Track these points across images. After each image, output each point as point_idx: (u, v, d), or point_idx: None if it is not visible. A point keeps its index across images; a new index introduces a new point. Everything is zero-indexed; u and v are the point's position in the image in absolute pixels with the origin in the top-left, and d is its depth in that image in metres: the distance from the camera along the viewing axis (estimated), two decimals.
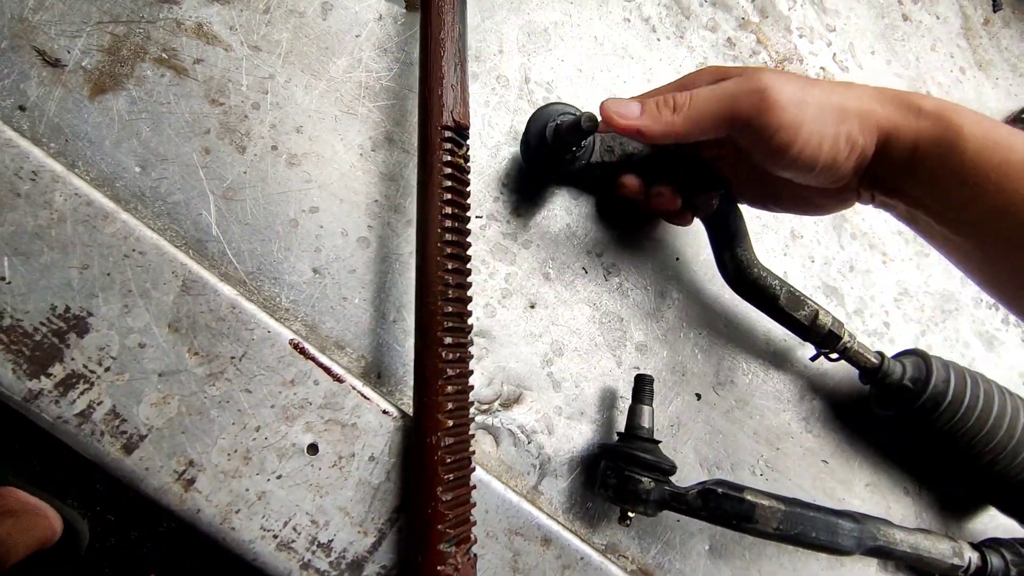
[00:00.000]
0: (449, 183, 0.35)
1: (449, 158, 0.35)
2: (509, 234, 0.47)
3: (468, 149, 0.38)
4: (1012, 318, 0.61)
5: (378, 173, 0.44)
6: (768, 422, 0.50)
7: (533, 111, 0.45)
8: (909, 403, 0.47)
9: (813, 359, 0.49)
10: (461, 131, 0.37)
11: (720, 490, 0.39)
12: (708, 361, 0.49)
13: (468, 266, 0.37)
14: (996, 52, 0.70)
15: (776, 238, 0.54)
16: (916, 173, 0.34)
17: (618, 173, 0.45)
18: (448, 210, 0.35)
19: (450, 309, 0.34)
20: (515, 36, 0.51)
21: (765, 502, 0.39)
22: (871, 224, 0.58)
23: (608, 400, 0.46)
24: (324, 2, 0.46)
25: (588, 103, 0.52)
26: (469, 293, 0.37)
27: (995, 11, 0.71)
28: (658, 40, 0.56)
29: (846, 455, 0.51)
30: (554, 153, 0.44)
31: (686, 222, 0.47)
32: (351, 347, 0.41)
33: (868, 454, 0.52)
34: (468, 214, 0.37)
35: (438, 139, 0.35)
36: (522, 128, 0.49)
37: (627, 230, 0.50)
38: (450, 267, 0.35)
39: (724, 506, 0.39)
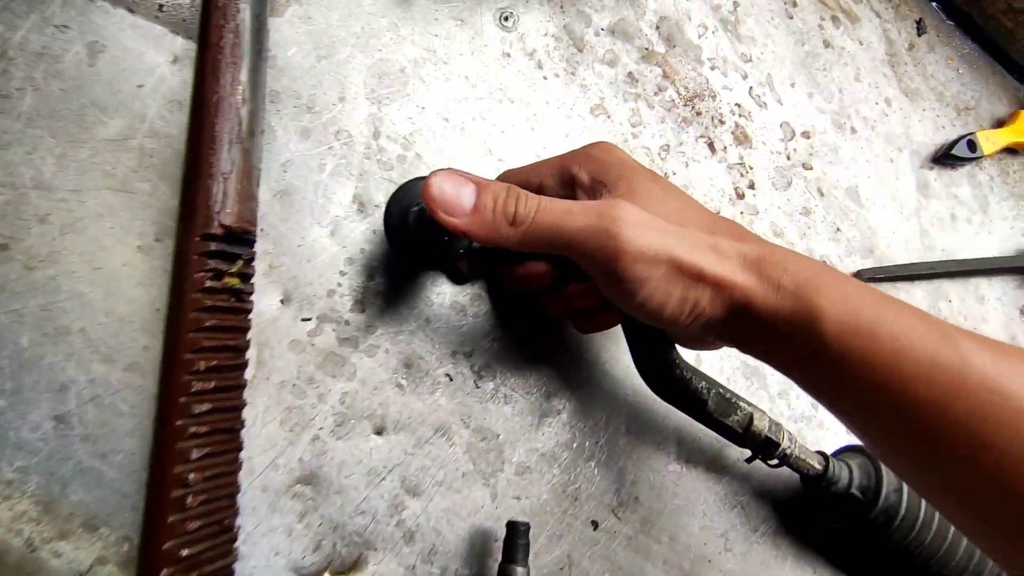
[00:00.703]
0: (210, 321, 0.25)
1: (211, 283, 0.25)
2: (348, 339, 0.36)
3: (251, 260, 0.28)
4: None
5: (163, 271, 0.33)
6: (682, 543, 0.42)
7: (395, 189, 0.36)
8: (858, 516, 0.40)
9: (749, 461, 0.41)
10: (238, 239, 0.27)
11: None
12: (607, 476, 0.41)
13: (236, 444, 0.26)
14: (922, 80, 0.64)
15: None
16: (775, 346, 0.29)
17: (515, 259, 0.36)
18: (201, 366, 0.24)
19: (192, 533, 0.24)
20: (362, 79, 0.41)
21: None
22: None
23: (480, 547, 0.37)
24: (91, 42, 0.34)
25: (459, 163, 0.42)
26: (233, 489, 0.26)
27: (920, 35, 0.65)
28: (545, 79, 0.47)
29: (776, 574, 0.44)
30: (422, 240, 0.35)
31: (608, 323, 0.37)
32: (108, 526, 0.30)
33: (804, 570, 0.45)
34: (244, 358, 0.27)
35: (194, 256, 0.25)
36: (369, 197, 0.39)
37: (504, 320, 0.40)
38: (192, 467, 0.24)
39: None
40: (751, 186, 0.52)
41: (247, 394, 0.33)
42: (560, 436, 0.40)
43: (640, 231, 0.28)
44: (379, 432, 0.36)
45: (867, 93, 0.60)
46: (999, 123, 0.67)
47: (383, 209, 0.39)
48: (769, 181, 0.53)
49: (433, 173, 0.30)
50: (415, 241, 0.36)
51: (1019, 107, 0.68)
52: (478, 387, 0.39)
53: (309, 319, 0.36)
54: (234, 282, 0.26)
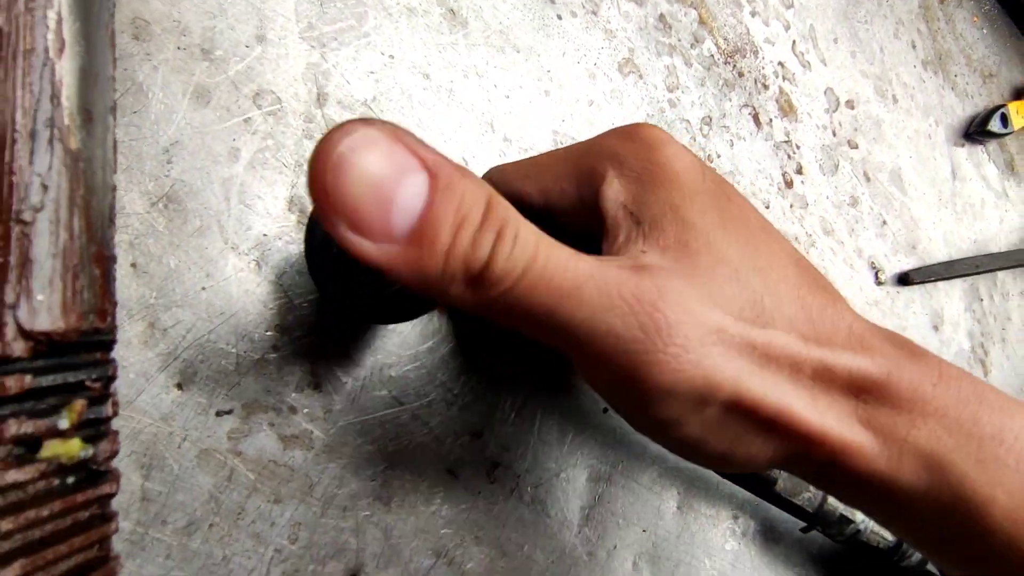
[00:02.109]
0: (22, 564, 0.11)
1: (14, 475, 0.11)
2: (296, 436, 0.23)
3: (107, 385, 0.13)
4: None
5: None
6: None
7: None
8: None
9: (805, 531, 0.33)
10: (70, 350, 0.13)
11: None
12: (661, 573, 0.31)
13: None
14: (952, 40, 0.56)
15: None
16: (893, 513, 0.19)
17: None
18: None
19: None
20: (294, 7, 0.26)
21: None
22: (846, 294, 0.42)
23: None
24: None
25: (448, 144, 0.28)
26: None
27: None
28: (559, 17, 0.33)
29: None
30: (351, 276, 0.21)
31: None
32: None
33: None
34: None
35: None
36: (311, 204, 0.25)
37: (526, 376, 0.28)
38: None
39: None
40: (799, 171, 0.42)
41: (128, 558, 0.20)
42: (600, 532, 0.29)
43: (695, 350, 0.15)
44: (355, 575, 0.23)
45: (906, 54, 0.51)
46: (1018, 93, 0.61)
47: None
48: (816, 164, 0.43)
49: (342, 128, 0.13)
50: (335, 279, 0.21)
51: None
52: (492, 482, 0.27)
53: (229, 411, 0.22)
54: (69, 449, 0.12)
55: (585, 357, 0.17)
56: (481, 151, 0.29)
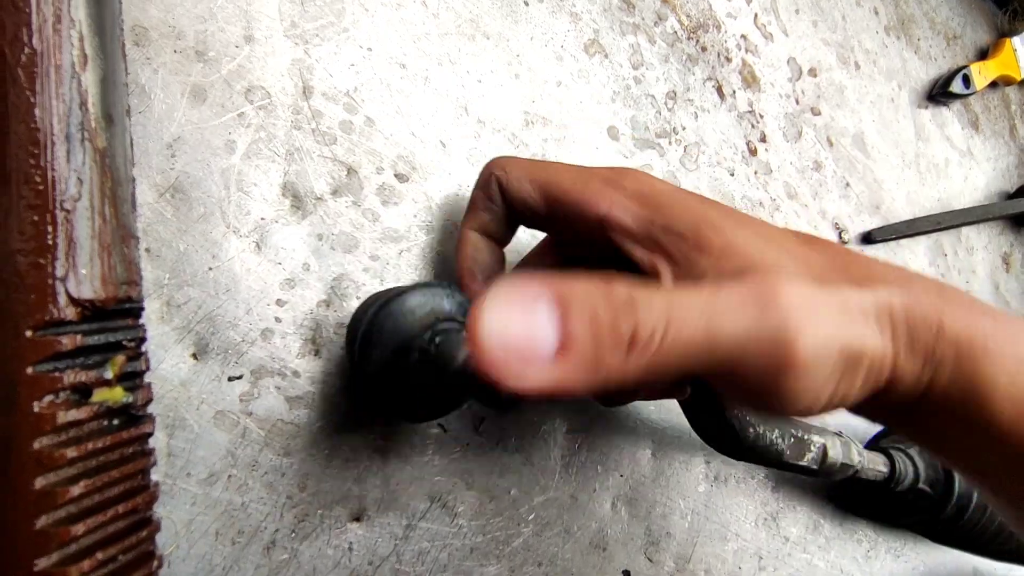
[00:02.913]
0: (77, 489, 0.14)
1: (69, 414, 0.14)
2: (300, 397, 0.26)
3: (139, 346, 0.16)
4: None
5: None
6: (717, 573, 0.36)
7: (360, 305, 0.25)
8: (929, 510, 0.37)
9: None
10: (108, 317, 0.15)
11: None
12: (635, 514, 0.34)
13: None
14: (916, 4, 0.57)
15: None
16: (919, 422, 0.21)
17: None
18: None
19: None
20: (276, 4, 0.28)
21: None
22: None
23: None
24: None
25: (426, 128, 0.31)
26: None
27: None
28: (526, 5, 0.35)
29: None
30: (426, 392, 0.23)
31: (680, 393, 0.29)
32: None
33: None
34: (150, 515, 0.16)
35: (26, 370, 0.13)
36: (307, 186, 0.27)
37: None
38: None
39: None
40: (763, 139, 0.44)
41: (159, 505, 0.23)
42: (580, 478, 0.32)
43: (815, 321, 0.17)
44: (357, 518, 0.26)
45: (868, 21, 0.53)
46: (982, 54, 0.63)
47: (352, 310, 0.25)
48: (780, 131, 0.45)
49: (486, 299, 0.14)
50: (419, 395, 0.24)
51: (1001, 35, 0.64)
52: (480, 434, 0.30)
53: (239, 377, 0.25)
54: (114, 395, 0.15)
55: (734, 377, 0.18)
56: (457, 133, 0.32)
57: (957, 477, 0.36)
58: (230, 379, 0.25)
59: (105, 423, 0.14)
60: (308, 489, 0.25)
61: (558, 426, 0.32)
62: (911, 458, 0.36)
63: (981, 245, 0.58)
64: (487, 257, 0.27)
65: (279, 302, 0.26)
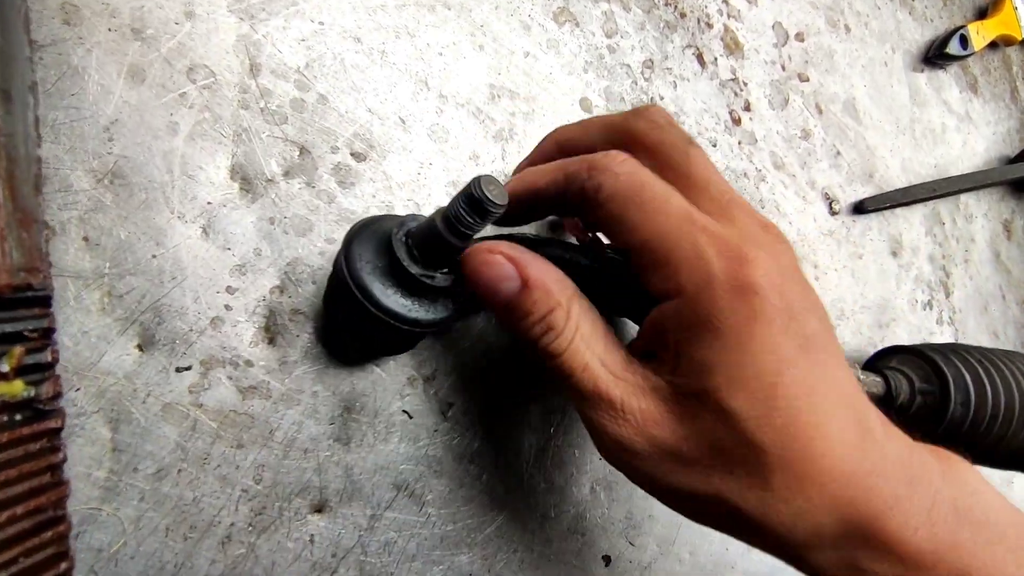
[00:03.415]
0: None
1: None
2: (253, 387, 0.25)
3: (47, 336, 0.15)
4: (947, 317, 0.50)
5: None
6: (703, 554, 0.35)
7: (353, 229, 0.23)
8: (933, 420, 0.37)
9: None
10: (9, 305, 0.14)
11: None
12: (616, 498, 0.33)
13: None
14: None
15: None
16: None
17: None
18: None
19: None
20: None
21: None
22: (799, 226, 0.43)
23: None
24: None
25: (385, 104, 0.29)
26: None
27: None
28: None
29: None
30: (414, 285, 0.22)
31: None
32: None
33: None
34: (62, 515, 0.15)
35: None
36: (256, 168, 0.26)
37: (470, 323, 0.30)
38: None
39: None
40: (747, 107, 0.42)
41: (104, 503, 0.22)
42: (557, 462, 0.31)
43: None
44: (319, 510, 0.26)
45: None
46: (981, 13, 0.60)
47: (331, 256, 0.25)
48: (765, 99, 0.44)
49: (477, 251, 0.22)
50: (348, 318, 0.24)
51: None
52: (447, 419, 0.29)
53: (188, 368, 0.24)
54: (12, 389, 0.14)
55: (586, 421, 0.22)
56: (417, 109, 0.30)
57: (952, 383, 0.35)
58: (178, 370, 0.24)
59: (5, 418, 0.14)
60: (264, 481, 0.25)
61: (532, 409, 0.31)
62: (906, 375, 0.37)
63: (981, 212, 0.56)
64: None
65: (229, 289, 0.25)
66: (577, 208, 0.23)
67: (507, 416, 0.30)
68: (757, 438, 0.19)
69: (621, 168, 0.22)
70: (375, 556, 0.26)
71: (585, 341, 0.21)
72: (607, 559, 0.32)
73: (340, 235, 0.28)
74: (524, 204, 0.24)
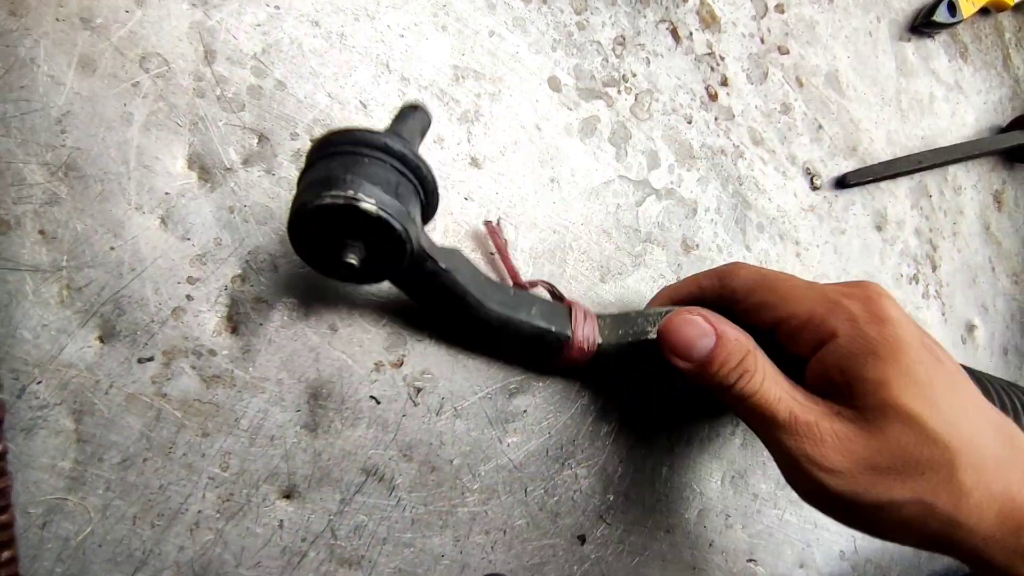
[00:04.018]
0: None
1: None
2: (218, 376, 0.25)
3: None
4: (933, 291, 0.50)
5: None
6: (680, 532, 0.36)
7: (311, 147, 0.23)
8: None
9: None
10: None
11: None
12: (590, 478, 0.33)
13: None
14: None
15: (666, 254, 0.37)
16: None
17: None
18: None
19: None
20: None
21: None
22: (779, 202, 0.43)
23: None
24: None
25: (345, 88, 0.29)
26: None
27: None
28: None
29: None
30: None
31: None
32: None
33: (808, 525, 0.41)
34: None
35: None
36: (214, 157, 0.26)
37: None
38: None
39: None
40: (723, 82, 0.42)
41: (69, 492, 0.22)
42: (529, 443, 0.31)
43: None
44: (287, 496, 0.26)
45: None
46: None
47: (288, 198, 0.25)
48: (743, 74, 0.43)
49: (678, 313, 0.27)
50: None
51: None
52: (416, 404, 0.29)
53: (150, 358, 0.24)
54: None
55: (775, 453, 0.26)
56: (378, 93, 0.30)
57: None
58: (140, 361, 0.24)
59: None
60: (231, 468, 0.25)
61: (499, 390, 0.31)
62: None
63: (970, 184, 0.55)
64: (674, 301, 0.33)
65: (190, 279, 0.25)
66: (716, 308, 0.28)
67: (475, 398, 0.30)
68: (939, 434, 0.22)
69: (743, 270, 0.29)
70: (345, 540, 0.27)
71: (772, 379, 0.25)
72: (581, 539, 0.32)
73: None
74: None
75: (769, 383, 0.25)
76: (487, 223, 0.31)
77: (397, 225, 0.21)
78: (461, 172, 0.32)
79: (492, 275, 0.31)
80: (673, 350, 0.26)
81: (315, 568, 0.26)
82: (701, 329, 0.26)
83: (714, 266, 0.39)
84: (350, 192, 0.20)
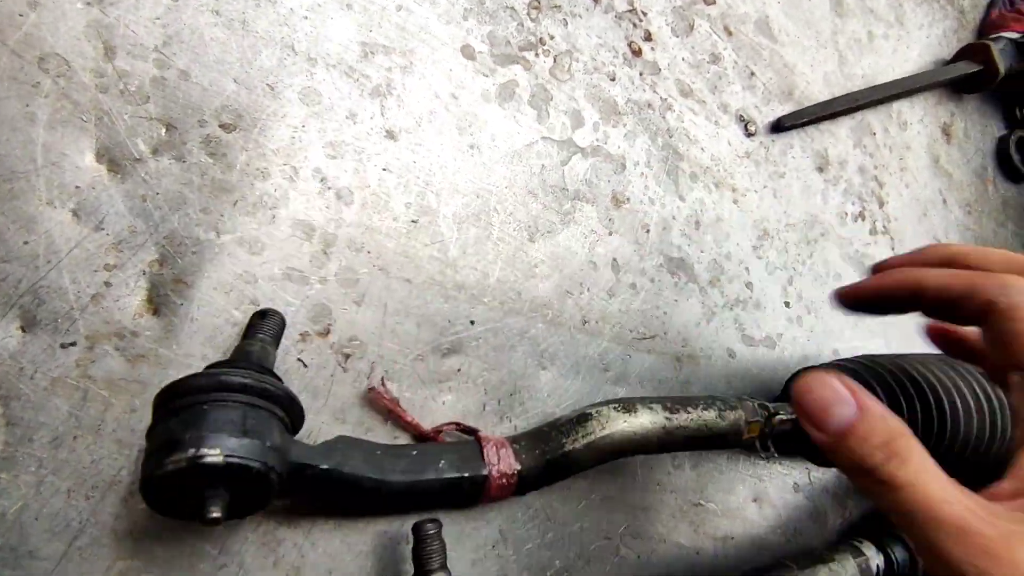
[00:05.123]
0: None
1: None
2: (142, 355, 0.26)
3: None
4: (881, 227, 0.50)
5: None
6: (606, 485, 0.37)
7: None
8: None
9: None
10: None
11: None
12: (516, 416, 0.34)
13: None
14: None
15: (596, 210, 0.38)
16: None
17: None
18: None
19: None
20: None
21: None
22: (713, 151, 0.43)
23: (388, 561, 0.30)
24: None
25: (250, 73, 0.30)
26: None
27: None
28: None
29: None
30: None
31: None
32: None
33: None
34: None
35: None
36: (121, 149, 0.27)
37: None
38: None
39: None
40: (647, 38, 0.42)
41: (2, 472, 0.23)
42: (466, 400, 0.32)
43: None
44: None
45: None
46: None
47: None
48: (668, 27, 0.43)
49: (813, 370, 0.25)
50: None
51: None
52: (346, 370, 0.30)
53: (72, 343, 0.25)
54: None
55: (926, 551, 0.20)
56: (285, 75, 0.31)
57: None
58: (63, 346, 0.25)
59: None
60: None
61: (431, 352, 0.32)
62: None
63: (916, 119, 0.55)
64: None
65: (107, 267, 0.26)
66: (964, 317, 0.24)
67: (407, 360, 0.31)
68: None
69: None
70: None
71: (933, 472, 0.20)
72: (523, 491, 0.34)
73: (215, 205, 0.28)
74: (900, 298, 0.26)
75: (928, 476, 0.20)
76: (370, 389, 0.30)
77: (253, 464, 0.21)
78: (376, 145, 0.32)
79: (395, 433, 0.30)
80: (806, 415, 0.23)
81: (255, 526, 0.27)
82: (838, 394, 0.22)
83: (647, 218, 0.40)
84: (191, 452, 0.20)
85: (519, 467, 0.29)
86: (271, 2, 0.31)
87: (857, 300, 0.27)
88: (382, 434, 0.30)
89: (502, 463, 0.29)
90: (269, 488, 0.22)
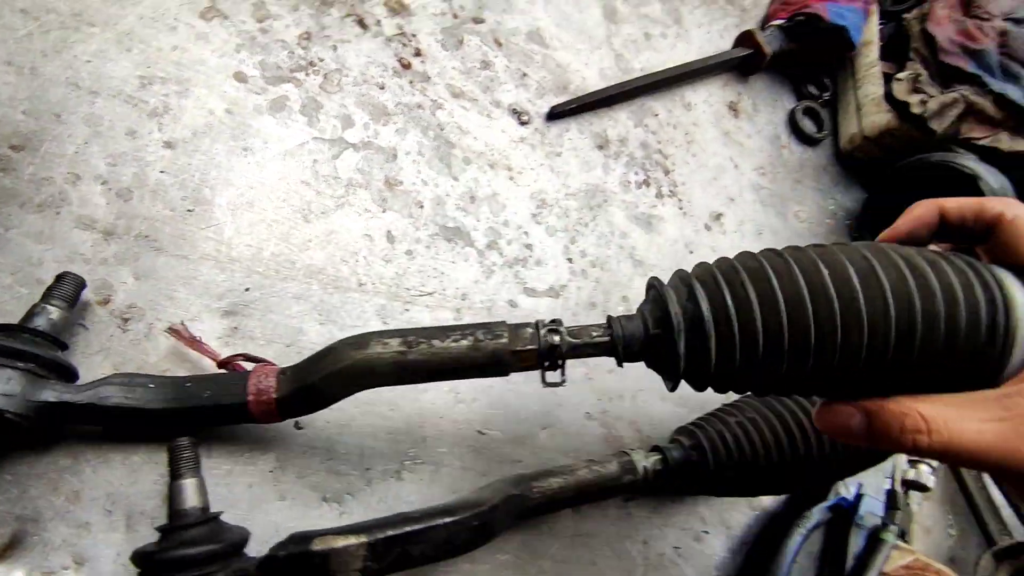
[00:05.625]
0: None
1: None
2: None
3: None
4: (667, 191, 0.57)
5: None
6: (406, 407, 0.42)
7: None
8: (665, 352, 0.32)
9: (549, 385, 0.35)
10: None
11: (283, 553, 0.30)
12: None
13: None
14: None
15: (370, 193, 0.45)
16: None
17: None
18: None
19: None
20: None
21: (342, 543, 0.31)
22: (486, 139, 0.51)
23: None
24: None
25: (36, 110, 0.38)
26: None
27: None
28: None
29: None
30: None
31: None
32: None
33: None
34: None
35: None
36: None
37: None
38: None
39: (292, 570, 0.30)
40: (417, 53, 0.51)
41: None
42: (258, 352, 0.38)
43: None
44: None
45: None
46: None
47: None
48: (438, 44, 0.52)
49: (823, 405, 0.29)
50: None
51: None
52: (124, 331, 0.36)
53: None
54: None
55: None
56: (70, 105, 0.38)
57: (670, 303, 0.31)
58: None
59: None
60: None
61: (211, 314, 0.38)
62: (641, 314, 0.33)
63: (700, 100, 0.63)
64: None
65: None
66: (973, 234, 0.29)
67: (189, 321, 0.38)
68: None
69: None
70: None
71: (956, 421, 0.25)
72: (297, 424, 0.39)
73: (3, 209, 0.35)
74: (927, 223, 0.31)
75: (955, 426, 0.25)
76: (170, 329, 0.36)
77: None
78: (154, 154, 0.40)
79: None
80: (835, 432, 0.28)
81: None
82: (846, 412, 0.27)
83: (420, 196, 0.47)
84: None
85: (275, 395, 0.35)
86: (57, 52, 0.39)
87: (898, 240, 0.31)
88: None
89: (262, 391, 0.35)
90: (10, 425, 0.29)
